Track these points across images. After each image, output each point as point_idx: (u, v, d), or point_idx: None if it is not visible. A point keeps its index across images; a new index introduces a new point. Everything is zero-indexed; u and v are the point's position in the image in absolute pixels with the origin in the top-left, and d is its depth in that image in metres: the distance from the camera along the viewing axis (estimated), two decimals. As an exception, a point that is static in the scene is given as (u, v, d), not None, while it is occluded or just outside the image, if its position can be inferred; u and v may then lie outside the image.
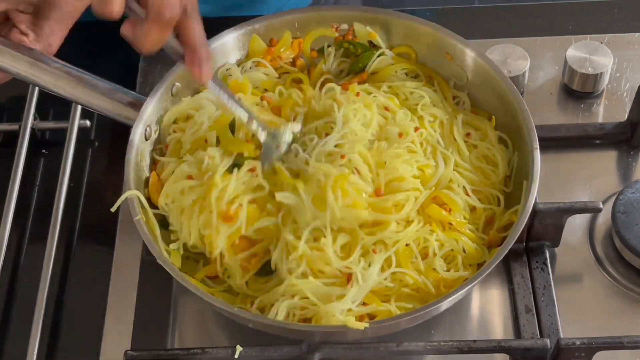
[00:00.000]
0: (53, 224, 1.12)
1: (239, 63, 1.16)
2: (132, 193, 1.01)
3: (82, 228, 1.17)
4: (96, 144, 1.24)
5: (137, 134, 1.05)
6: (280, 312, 0.96)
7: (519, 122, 1.06)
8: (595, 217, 1.14)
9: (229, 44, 1.14)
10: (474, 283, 0.95)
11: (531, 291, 1.08)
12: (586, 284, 1.10)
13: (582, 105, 1.24)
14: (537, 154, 1.02)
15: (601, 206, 1.07)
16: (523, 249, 1.10)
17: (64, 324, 1.10)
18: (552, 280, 1.08)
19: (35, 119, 1.22)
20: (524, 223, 0.98)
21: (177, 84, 1.10)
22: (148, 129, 1.07)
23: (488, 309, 1.09)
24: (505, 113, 1.09)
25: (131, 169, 1.03)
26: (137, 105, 1.05)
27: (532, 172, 1.01)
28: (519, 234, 0.97)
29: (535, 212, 1.06)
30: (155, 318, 1.08)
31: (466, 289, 0.95)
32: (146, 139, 1.07)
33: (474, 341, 1.01)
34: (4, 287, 1.12)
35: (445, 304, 0.95)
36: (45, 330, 1.06)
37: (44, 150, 1.24)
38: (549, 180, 1.16)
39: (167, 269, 0.97)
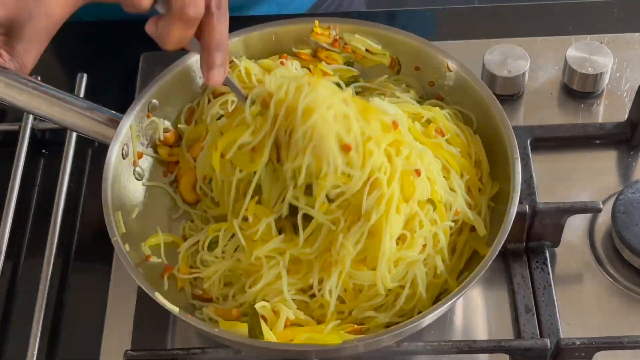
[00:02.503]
0: (53, 224, 1.12)
1: None
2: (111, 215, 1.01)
3: (82, 228, 1.17)
4: (96, 144, 1.24)
5: (113, 153, 1.04)
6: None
7: (499, 131, 1.05)
8: (595, 217, 1.14)
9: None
10: (458, 296, 0.94)
11: (531, 291, 1.08)
12: (586, 284, 1.10)
13: (582, 105, 1.24)
14: (518, 164, 1.01)
15: (601, 206, 1.07)
16: (523, 249, 1.10)
17: (64, 324, 1.10)
18: (552, 280, 1.08)
19: (35, 119, 1.22)
20: (507, 233, 0.97)
21: (154, 100, 1.09)
22: (125, 147, 1.06)
23: (488, 309, 1.09)
24: (486, 123, 1.08)
25: (109, 189, 1.02)
26: (113, 124, 1.05)
27: (514, 183, 1.00)
28: (502, 244, 0.96)
29: (535, 212, 1.06)
30: (155, 318, 1.08)
31: (450, 302, 0.94)
32: (123, 158, 1.06)
33: (474, 341, 1.01)
34: (4, 287, 1.12)
35: (427, 319, 0.94)
36: (45, 330, 1.06)
37: (44, 150, 1.24)
38: (549, 180, 1.16)
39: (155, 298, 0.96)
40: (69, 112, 1.03)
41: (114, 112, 1.06)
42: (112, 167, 1.03)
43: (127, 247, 1.00)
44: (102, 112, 1.05)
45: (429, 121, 1.08)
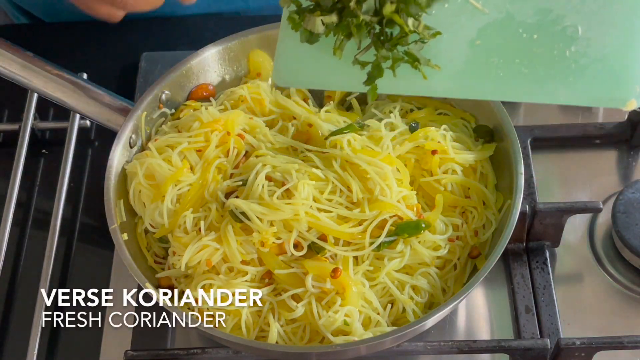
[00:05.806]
0: (53, 224, 1.12)
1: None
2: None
3: (82, 228, 1.17)
4: (96, 144, 1.24)
5: (121, 141, 1.04)
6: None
7: (507, 145, 1.04)
8: (595, 217, 1.14)
9: (208, 60, 1.13)
10: (459, 300, 0.95)
11: (531, 291, 1.08)
12: (586, 284, 1.10)
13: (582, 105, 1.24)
14: (522, 180, 1.00)
15: (601, 206, 1.07)
16: (523, 249, 1.10)
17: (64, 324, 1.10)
18: (552, 280, 1.08)
19: (35, 119, 1.22)
20: (506, 242, 0.96)
21: (167, 92, 1.10)
22: (133, 136, 1.06)
23: (488, 309, 1.09)
24: (495, 134, 1.08)
25: (112, 176, 1.03)
26: (125, 112, 1.05)
27: (515, 198, 0.99)
28: (500, 254, 0.96)
29: (535, 212, 1.06)
30: (155, 318, 1.08)
31: (451, 306, 0.94)
32: (131, 147, 1.06)
33: (474, 341, 1.01)
34: (4, 287, 1.12)
35: (429, 322, 0.95)
36: (45, 330, 1.06)
37: (44, 150, 1.24)
38: (549, 180, 1.16)
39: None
40: (82, 97, 1.05)
41: (126, 100, 1.06)
42: (117, 154, 1.04)
43: (125, 236, 1.00)
44: (114, 99, 1.06)
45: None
